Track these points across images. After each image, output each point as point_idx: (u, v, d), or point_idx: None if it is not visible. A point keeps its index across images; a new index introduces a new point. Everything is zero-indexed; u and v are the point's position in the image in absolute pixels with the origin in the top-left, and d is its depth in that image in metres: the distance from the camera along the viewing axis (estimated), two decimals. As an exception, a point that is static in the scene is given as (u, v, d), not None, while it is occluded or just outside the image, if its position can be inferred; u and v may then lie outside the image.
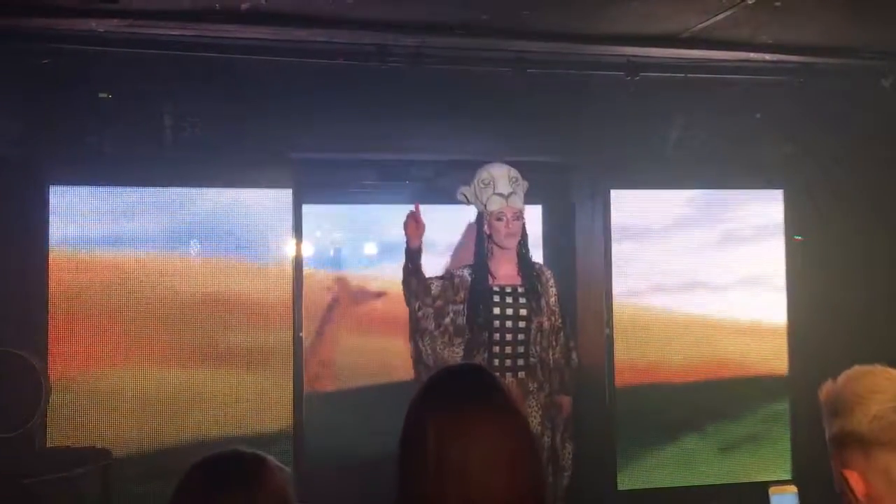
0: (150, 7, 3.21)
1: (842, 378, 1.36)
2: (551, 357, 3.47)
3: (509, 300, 3.40)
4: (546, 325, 3.44)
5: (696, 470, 4.86)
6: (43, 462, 3.90)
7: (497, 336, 3.38)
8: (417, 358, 3.46)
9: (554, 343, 3.49)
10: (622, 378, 4.72)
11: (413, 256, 3.40)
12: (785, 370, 4.98)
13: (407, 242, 3.40)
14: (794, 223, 5.00)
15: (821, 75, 4.17)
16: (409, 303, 3.47)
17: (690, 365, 4.90)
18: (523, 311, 3.39)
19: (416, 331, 3.46)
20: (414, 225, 3.37)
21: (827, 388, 1.38)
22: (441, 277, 3.54)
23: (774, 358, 4.99)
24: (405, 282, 3.44)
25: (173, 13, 3.26)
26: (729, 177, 4.91)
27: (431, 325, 3.42)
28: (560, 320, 3.54)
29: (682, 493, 4.81)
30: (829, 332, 4.71)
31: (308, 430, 4.46)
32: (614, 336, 4.70)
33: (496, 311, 3.39)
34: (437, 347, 3.40)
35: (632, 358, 4.78)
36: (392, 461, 1.30)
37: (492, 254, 3.49)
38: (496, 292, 3.42)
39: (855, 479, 1.29)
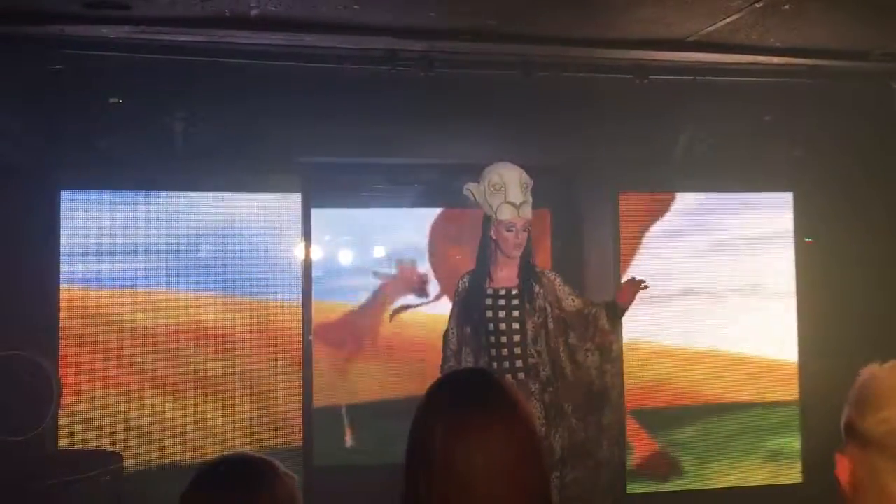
0: (160, 14, 3.22)
1: (879, 370, 1.31)
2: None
3: (502, 302, 3.38)
4: (551, 324, 3.41)
5: (705, 474, 4.86)
6: (54, 465, 3.92)
7: (493, 339, 3.37)
8: None
9: (595, 318, 3.42)
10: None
11: None
12: (795, 369, 4.98)
13: None
14: (805, 225, 4.99)
15: (830, 78, 4.16)
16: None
17: (700, 372, 4.90)
18: (516, 313, 3.36)
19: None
20: None
21: (864, 373, 1.32)
22: (452, 312, 3.52)
23: (784, 360, 4.98)
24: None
25: (184, 20, 3.27)
26: (738, 180, 4.90)
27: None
28: (592, 306, 3.48)
29: (691, 497, 4.80)
30: (838, 330, 4.70)
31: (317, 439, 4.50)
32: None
33: (489, 314, 3.37)
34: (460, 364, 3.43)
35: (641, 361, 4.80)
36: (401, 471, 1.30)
37: (495, 257, 3.46)
38: (490, 295, 3.40)
39: (843, 467, 1.29)
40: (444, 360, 3.51)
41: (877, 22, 3.50)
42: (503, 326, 3.36)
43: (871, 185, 4.73)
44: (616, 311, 3.40)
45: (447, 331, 3.54)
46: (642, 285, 3.37)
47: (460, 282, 3.53)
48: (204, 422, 4.35)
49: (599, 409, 3.45)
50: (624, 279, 3.64)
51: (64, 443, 4.15)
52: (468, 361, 3.41)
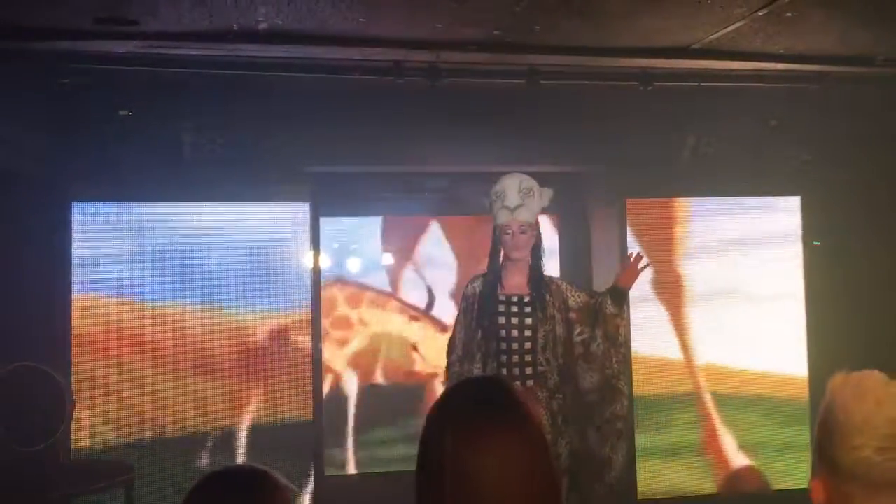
0: (168, 28, 3.26)
1: (850, 383, 1.29)
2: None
3: (515, 309, 3.39)
4: (560, 331, 3.42)
5: (714, 478, 4.86)
6: (67, 476, 3.95)
7: (504, 345, 3.37)
8: None
9: (601, 305, 3.44)
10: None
11: None
12: (805, 373, 4.98)
13: None
14: (812, 229, 5.00)
15: (835, 83, 4.17)
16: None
17: (707, 372, 4.91)
18: (528, 321, 3.38)
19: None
20: None
21: (832, 390, 1.30)
22: (461, 310, 3.52)
23: (794, 362, 4.99)
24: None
25: (192, 34, 3.31)
26: (745, 184, 4.91)
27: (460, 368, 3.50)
28: (597, 296, 3.50)
29: (701, 501, 4.80)
30: (847, 333, 4.71)
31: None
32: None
33: (501, 320, 3.38)
34: (466, 369, 3.44)
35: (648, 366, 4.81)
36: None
37: (504, 263, 3.49)
38: (502, 301, 3.40)
39: (817, 491, 1.29)
40: (449, 365, 3.52)
41: (880, 27, 3.51)
42: (515, 333, 3.38)
43: (878, 188, 4.73)
44: (619, 294, 3.42)
45: (452, 336, 3.55)
46: (641, 264, 3.39)
47: (469, 286, 3.52)
48: (213, 430, 4.37)
49: (607, 399, 3.43)
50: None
51: (77, 452, 4.18)
52: (476, 367, 3.42)
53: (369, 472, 4.65)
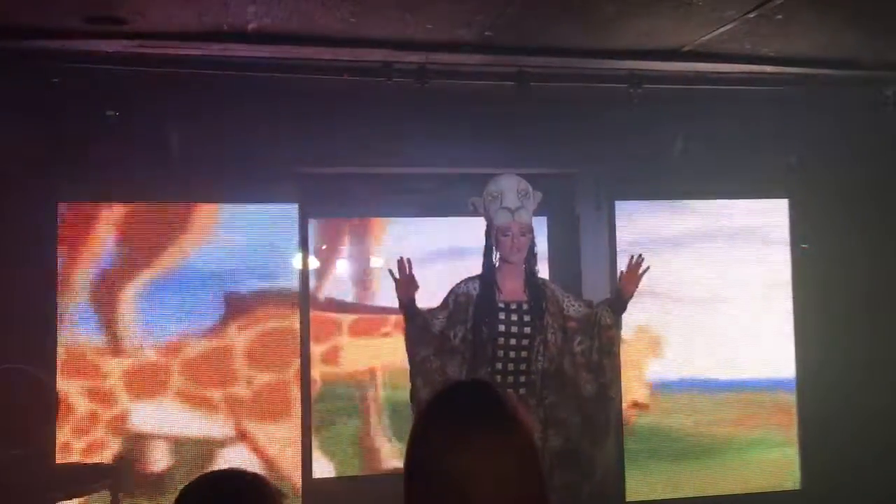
0: (158, 28, 3.25)
1: None
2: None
3: (514, 317, 3.33)
4: (551, 337, 3.39)
5: (704, 481, 4.87)
6: (54, 479, 3.92)
7: (501, 352, 3.30)
8: (414, 394, 3.39)
9: (599, 317, 3.40)
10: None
11: (405, 308, 3.34)
12: (793, 374, 5.00)
13: (398, 298, 3.34)
14: (800, 232, 5.02)
15: (824, 86, 4.19)
16: (407, 350, 3.39)
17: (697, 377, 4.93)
18: (527, 329, 3.32)
19: (415, 374, 3.37)
20: (404, 283, 3.30)
21: None
22: (445, 306, 3.41)
23: (782, 364, 5.00)
24: (404, 331, 3.40)
25: (181, 34, 3.29)
26: (734, 187, 4.93)
27: (436, 364, 3.34)
28: (597, 306, 3.44)
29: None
30: (834, 336, 4.74)
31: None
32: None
33: (501, 327, 3.31)
34: (449, 370, 3.35)
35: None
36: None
37: (498, 267, 3.43)
38: (502, 308, 3.34)
39: None
40: (417, 352, 3.36)
41: (869, 30, 3.53)
42: (513, 341, 3.30)
43: (865, 190, 4.77)
44: (620, 305, 3.38)
45: (428, 323, 3.38)
46: (642, 268, 3.34)
47: (463, 286, 3.41)
48: (200, 436, 4.34)
49: (598, 408, 3.40)
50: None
51: (62, 456, 4.15)
52: (460, 370, 3.35)
53: (357, 475, 4.63)
